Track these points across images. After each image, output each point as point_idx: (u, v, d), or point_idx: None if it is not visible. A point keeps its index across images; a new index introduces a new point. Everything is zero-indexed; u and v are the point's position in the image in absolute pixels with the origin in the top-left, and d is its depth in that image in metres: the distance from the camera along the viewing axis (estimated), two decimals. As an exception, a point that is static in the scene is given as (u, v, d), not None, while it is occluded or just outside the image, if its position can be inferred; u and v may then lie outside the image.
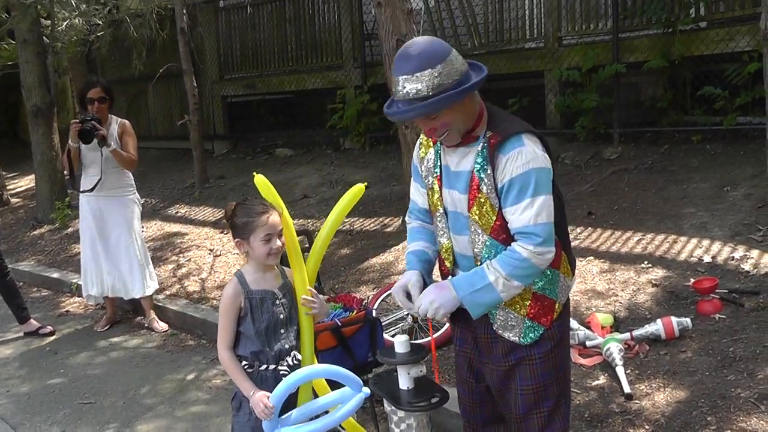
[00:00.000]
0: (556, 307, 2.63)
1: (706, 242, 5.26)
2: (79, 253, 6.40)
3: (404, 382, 2.71)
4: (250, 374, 3.00)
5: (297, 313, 3.14)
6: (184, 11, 9.44)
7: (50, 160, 9.36)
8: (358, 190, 3.17)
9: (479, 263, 2.57)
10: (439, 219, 2.70)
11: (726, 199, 5.84)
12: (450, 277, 2.69)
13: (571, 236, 5.84)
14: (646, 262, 5.15)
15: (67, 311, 6.66)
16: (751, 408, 3.50)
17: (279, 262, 3.10)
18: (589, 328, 4.45)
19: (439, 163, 2.66)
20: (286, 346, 3.05)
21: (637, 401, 3.73)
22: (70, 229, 8.87)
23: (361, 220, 7.42)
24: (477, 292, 2.50)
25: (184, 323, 5.97)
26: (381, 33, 6.15)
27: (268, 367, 3.01)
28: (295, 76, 10.69)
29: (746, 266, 4.85)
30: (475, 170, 2.52)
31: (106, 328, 6.08)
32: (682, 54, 7.02)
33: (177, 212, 8.96)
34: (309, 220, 7.56)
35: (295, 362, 3.07)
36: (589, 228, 5.96)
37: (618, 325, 4.49)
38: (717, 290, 4.51)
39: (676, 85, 7.48)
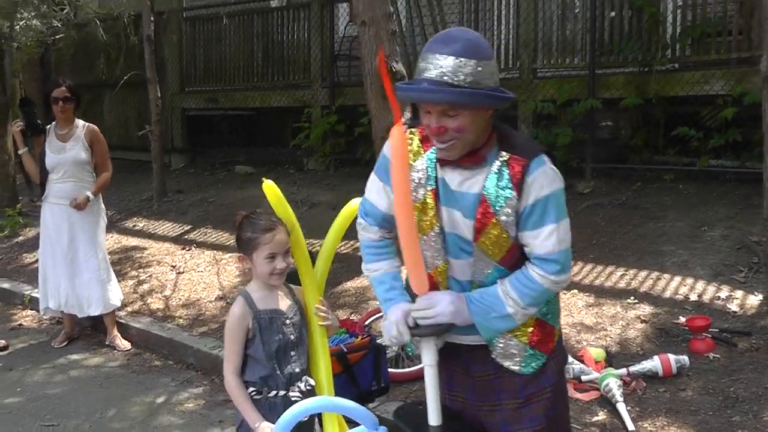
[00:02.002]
0: (555, 332, 2.51)
1: (689, 281, 5.27)
2: (31, 263, 6.07)
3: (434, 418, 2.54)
4: (258, 401, 2.81)
5: (307, 334, 2.97)
6: (152, 18, 9.17)
7: (2, 165, 8.93)
8: (354, 206, 3.01)
9: (477, 287, 2.41)
10: (434, 240, 2.38)
11: (704, 238, 5.88)
12: None
13: (553, 268, 5.79)
14: (632, 298, 5.13)
15: (20, 325, 6.27)
16: (761, 450, 3.47)
17: (284, 281, 2.94)
18: (582, 361, 4.38)
19: (434, 175, 2.34)
20: (297, 370, 2.88)
21: (641, 439, 3.67)
22: (20, 238, 8.45)
23: (330, 242, 7.24)
24: (493, 319, 2.35)
25: (148, 342, 5.68)
26: (363, 52, 6.03)
27: (278, 393, 2.84)
28: (260, 92, 10.48)
29: (733, 306, 4.86)
30: (486, 194, 2.28)
31: (64, 344, 5.73)
32: (657, 93, 7.11)
33: (135, 225, 8.61)
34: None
35: (308, 387, 2.90)
36: (570, 261, 5.91)
37: (610, 360, 4.43)
38: (709, 329, 4.50)
39: (649, 124, 7.57)
